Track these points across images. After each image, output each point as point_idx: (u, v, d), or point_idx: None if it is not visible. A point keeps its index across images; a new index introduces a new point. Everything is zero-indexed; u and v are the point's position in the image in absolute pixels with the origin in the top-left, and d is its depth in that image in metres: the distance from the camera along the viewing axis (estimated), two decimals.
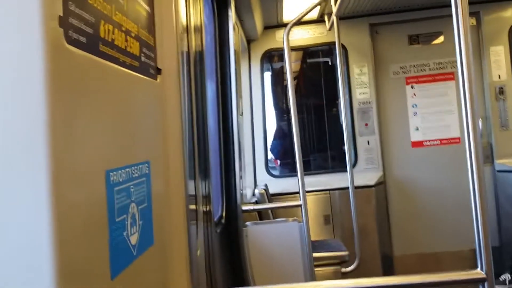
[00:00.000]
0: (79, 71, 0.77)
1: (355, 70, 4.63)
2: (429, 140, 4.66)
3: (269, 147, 4.84)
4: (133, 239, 0.96)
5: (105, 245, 0.82)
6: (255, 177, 4.59)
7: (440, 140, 4.66)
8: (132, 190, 0.97)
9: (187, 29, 1.85)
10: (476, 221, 1.37)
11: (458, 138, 4.64)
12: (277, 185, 4.47)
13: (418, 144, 4.67)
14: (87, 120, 0.79)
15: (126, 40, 0.99)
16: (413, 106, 4.70)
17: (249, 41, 4.71)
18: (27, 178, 0.65)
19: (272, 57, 4.94)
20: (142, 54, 1.09)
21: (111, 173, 0.86)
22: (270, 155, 4.88)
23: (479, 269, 1.35)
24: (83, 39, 0.78)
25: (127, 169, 0.95)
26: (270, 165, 4.82)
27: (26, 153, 0.65)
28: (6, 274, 0.65)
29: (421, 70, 4.72)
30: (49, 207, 0.65)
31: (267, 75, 4.94)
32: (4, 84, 0.65)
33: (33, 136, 0.65)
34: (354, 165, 4.49)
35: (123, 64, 0.96)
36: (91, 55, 0.81)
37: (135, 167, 1.00)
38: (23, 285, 0.65)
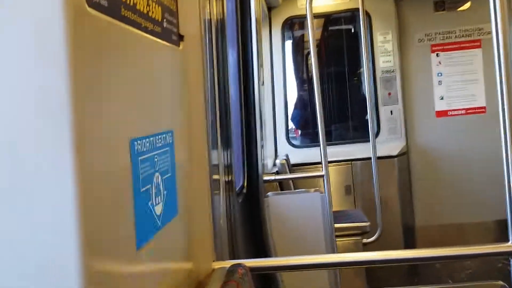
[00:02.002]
0: (101, 36, 0.74)
1: (378, 38, 4.52)
2: (454, 110, 4.56)
3: (289, 117, 4.79)
4: (158, 210, 0.94)
5: (131, 216, 0.81)
6: (276, 147, 4.56)
7: (465, 109, 4.55)
8: (156, 159, 0.95)
9: None
10: (508, 191, 1.32)
11: (484, 108, 4.53)
12: (298, 155, 4.44)
13: (442, 113, 4.58)
14: (110, 87, 0.76)
15: (148, 5, 0.95)
16: (438, 75, 4.59)
17: (270, 8, 4.61)
18: (51, 146, 0.63)
19: (293, 25, 4.85)
20: (165, 20, 1.06)
21: (135, 142, 0.84)
22: (291, 125, 4.84)
23: (510, 242, 1.31)
24: (104, 2, 0.74)
25: (151, 138, 0.92)
26: (290, 135, 4.78)
27: (49, 121, 0.63)
28: (31, 247, 0.64)
29: (447, 37, 4.59)
30: (73, 176, 0.63)
31: (288, 43, 4.85)
32: (25, 50, 0.63)
33: (56, 103, 0.63)
34: (376, 135, 4.42)
35: (145, 30, 0.93)
36: (113, 19, 0.78)
37: (159, 136, 0.97)
38: (49, 257, 0.64)
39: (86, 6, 0.68)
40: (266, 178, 2.73)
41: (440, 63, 4.60)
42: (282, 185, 3.60)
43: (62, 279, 0.64)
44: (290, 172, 3.90)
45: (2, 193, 0.64)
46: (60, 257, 0.64)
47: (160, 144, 0.98)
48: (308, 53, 4.91)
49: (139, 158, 0.86)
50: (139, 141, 0.86)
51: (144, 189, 0.88)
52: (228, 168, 2.15)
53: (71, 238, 0.64)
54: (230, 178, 2.16)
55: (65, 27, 0.63)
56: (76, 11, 0.65)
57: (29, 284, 0.64)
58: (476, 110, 4.55)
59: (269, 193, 2.77)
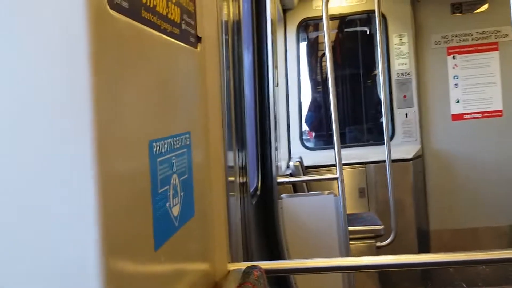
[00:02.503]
0: (122, 37, 0.74)
1: (394, 40, 4.49)
2: (470, 113, 4.52)
3: (303, 118, 4.78)
4: (175, 211, 0.95)
5: (149, 217, 0.81)
6: (289, 149, 4.56)
7: (482, 113, 4.50)
8: (173, 161, 0.95)
9: None
10: None
11: (501, 111, 4.48)
12: (311, 158, 4.43)
13: (458, 117, 4.53)
14: (130, 88, 0.76)
15: (167, 6, 0.95)
16: (454, 78, 4.55)
17: (285, 10, 4.61)
18: (73, 146, 0.63)
19: (308, 27, 4.83)
20: (183, 21, 1.06)
21: (154, 144, 0.84)
22: (305, 127, 4.82)
23: None
24: (125, 4, 0.75)
25: (169, 140, 0.93)
26: (304, 137, 4.77)
27: (71, 121, 0.63)
28: (51, 247, 0.64)
29: (464, 40, 4.54)
30: (94, 177, 0.64)
31: (303, 45, 4.84)
32: (48, 51, 0.63)
33: (78, 104, 0.63)
34: (391, 138, 4.39)
35: (164, 31, 0.93)
36: (133, 21, 0.78)
37: (177, 137, 0.98)
38: (69, 257, 0.64)
39: (108, 7, 0.68)
40: (280, 180, 2.73)
41: (456, 65, 4.56)
42: (296, 187, 3.59)
43: (82, 279, 0.64)
44: (304, 174, 3.88)
45: (23, 193, 0.64)
46: (80, 257, 0.64)
47: (178, 146, 0.98)
48: (323, 55, 4.90)
49: (158, 159, 0.86)
50: (157, 143, 0.86)
51: (162, 190, 0.88)
52: (243, 170, 2.15)
53: (91, 238, 0.64)
54: (244, 180, 2.16)
55: (87, 28, 0.63)
56: (98, 12, 0.66)
57: (49, 284, 0.65)
58: (493, 114, 4.49)
59: (283, 195, 2.76)
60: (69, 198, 0.64)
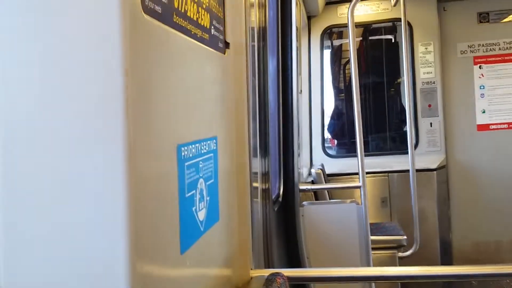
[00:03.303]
0: (154, 42, 0.75)
1: (419, 48, 4.45)
2: (496, 124, 4.44)
3: (326, 126, 4.76)
4: (201, 215, 0.95)
5: (176, 220, 0.81)
6: (311, 156, 4.54)
7: (508, 124, 4.42)
8: (200, 165, 0.95)
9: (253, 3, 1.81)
10: None
11: None
12: (333, 165, 4.40)
13: (484, 127, 4.46)
14: (160, 92, 0.77)
15: (198, 12, 0.96)
16: (480, 88, 4.48)
17: (310, 17, 4.60)
18: (105, 150, 0.64)
19: (332, 34, 4.82)
20: (212, 27, 1.06)
21: (182, 148, 0.85)
22: (327, 135, 4.80)
23: None
24: (158, 8, 0.75)
25: (197, 145, 0.93)
26: (326, 144, 4.74)
27: (104, 125, 0.64)
28: (80, 248, 0.65)
29: (491, 49, 4.47)
30: (124, 180, 0.64)
31: (327, 52, 4.83)
32: (82, 53, 0.64)
33: (110, 108, 0.64)
34: (415, 147, 4.34)
35: (194, 36, 0.94)
36: (165, 26, 0.79)
37: (204, 142, 0.98)
38: (98, 258, 0.65)
39: (142, 12, 0.69)
40: (302, 187, 2.71)
41: (482, 75, 4.49)
42: (317, 195, 3.57)
43: (110, 281, 0.64)
44: (326, 182, 3.86)
45: (55, 195, 0.65)
46: (109, 259, 0.64)
47: (204, 150, 0.98)
48: (346, 62, 4.87)
49: (185, 164, 0.87)
50: (185, 147, 0.87)
51: (189, 194, 0.88)
52: (265, 176, 2.14)
53: (120, 240, 0.64)
54: (267, 186, 2.16)
55: (122, 32, 0.64)
56: (132, 17, 0.66)
57: (78, 285, 0.65)
58: None
59: (304, 203, 2.75)
60: (99, 202, 0.64)
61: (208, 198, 1.00)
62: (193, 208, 0.90)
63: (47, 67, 0.65)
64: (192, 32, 0.93)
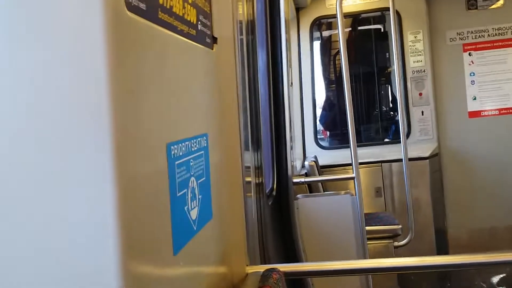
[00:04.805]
0: (139, 39, 0.73)
1: (409, 37, 4.44)
2: (487, 110, 4.46)
3: (318, 118, 4.75)
4: (193, 214, 0.94)
5: (168, 221, 0.80)
6: (304, 148, 4.53)
7: (499, 110, 4.44)
8: (191, 164, 0.94)
9: None
10: None
11: None
12: (326, 157, 4.40)
13: (475, 114, 4.48)
14: (147, 90, 0.75)
15: (184, 7, 0.94)
16: (470, 75, 4.49)
17: (298, 9, 4.58)
18: (92, 150, 0.62)
19: (321, 25, 4.81)
20: (199, 22, 1.05)
21: (172, 147, 0.83)
22: (319, 126, 4.80)
23: None
24: (142, 5, 0.74)
25: (187, 142, 0.92)
26: (318, 136, 4.74)
27: (90, 124, 0.62)
28: (71, 250, 0.64)
29: (480, 36, 4.48)
30: (113, 180, 0.63)
31: (316, 44, 4.81)
32: (65, 53, 0.62)
33: (96, 108, 0.62)
34: (407, 136, 4.35)
35: (181, 33, 0.92)
36: (151, 23, 0.77)
37: (194, 140, 0.97)
38: (89, 260, 0.64)
39: (126, 9, 0.67)
40: (296, 180, 2.70)
41: (472, 62, 4.50)
42: (311, 187, 3.57)
43: (101, 283, 0.63)
44: (319, 174, 3.86)
45: (43, 196, 0.63)
46: (100, 261, 0.63)
47: (195, 148, 0.97)
48: (336, 53, 4.87)
49: (176, 162, 0.85)
50: (175, 145, 0.85)
51: (180, 193, 0.87)
52: (258, 170, 2.14)
53: (111, 242, 0.63)
54: (260, 180, 2.15)
55: (105, 31, 0.62)
56: (115, 15, 0.65)
57: (69, 286, 0.64)
58: (510, 111, 4.43)
59: (298, 195, 2.74)
60: (89, 202, 0.63)
61: (200, 197, 0.98)
62: (185, 207, 0.89)
63: (30, 67, 0.63)
64: (179, 28, 0.91)
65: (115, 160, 0.63)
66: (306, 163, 3.83)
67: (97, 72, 0.62)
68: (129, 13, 0.68)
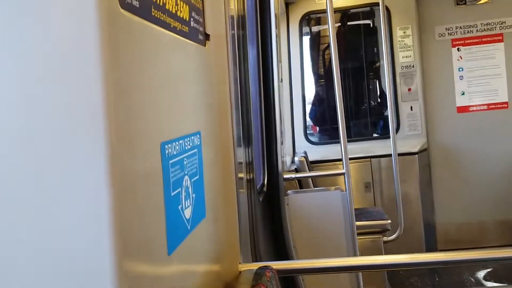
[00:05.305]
0: (133, 37, 0.72)
1: (398, 33, 4.46)
2: (475, 105, 4.49)
3: (307, 113, 4.75)
4: (187, 213, 0.93)
5: (162, 221, 0.79)
6: (294, 144, 4.53)
7: (487, 105, 4.47)
8: (185, 162, 0.93)
9: None
10: None
11: (506, 103, 4.45)
12: (316, 152, 4.41)
13: (463, 109, 4.51)
14: (141, 89, 0.74)
15: (177, 4, 0.93)
16: (459, 70, 4.51)
17: (287, 4, 4.57)
18: (85, 151, 0.62)
19: (310, 20, 4.80)
20: (192, 19, 1.04)
21: (166, 146, 0.82)
22: (309, 122, 4.80)
23: None
24: (136, 2, 0.73)
25: (180, 141, 0.91)
26: (308, 131, 4.74)
27: (84, 124, 0.61)
28: (65, 250, 0.63)
29: (468, 31, 4.50)
30: (107, 180, 0.62)
31: (306, 39, 4.81)
32: (60, 51, 0.61)
33: (91, 106, 0.61)
34: (396, 131, 4.37)
35: (174, 30, 0.91)
36: (144, 20, 0.76)
37: (187, 138, 0.96)
38: (83, 260, 0.63)
39: (119, 7, 0.66)
40: (286, 176, 2.70)
41: (461, 57, 4.52)
42: (301, 182, 3.57)
43: (96, 283, 0.63)
44: (309, 170, 3.86)
45: (38, 196, 0.63)
46: (95, 261, 0.63)
47: (188, 147, 0.96)
48: (326, 48, 4.86)
49: (170, 161, 0.84)
50: (169, 144, 0.84)
51: (174, 193, 0.86)
52: (249, 166, 2.13)
53: (105, 242, 0.63)
54: (251, 176, 2.14)
55: (99, 28, 0.61)
56: (109, 12, 0.64)
57: (64, 285, 0.63)
58: (498, 106, 4.47)
59: (289, 191, 2.74)
60: (83, 202, 0.63)
61: (194, 195, 0.97)
62: (179, 207, 0.88)
63: (24, 65, 0.62)
64: (172, 26, 0.90)
65: (110, 160, 0.62)
66: (296, 158, 3.83)
67: (91, 71, 0.61)
68: (122, 10, 0.67)
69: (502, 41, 4.45)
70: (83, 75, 0.61)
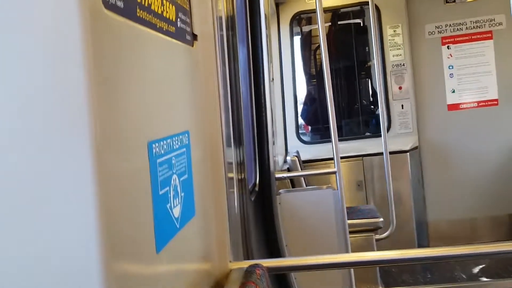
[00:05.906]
0: (117, 37, 0.73)
1: (388, 31, 4.48)
2: (465, 103, 4.52)
3: (299, 113, 4.77)
4: (176, 212, 0.93)
5: (150, 219, 0.80)
6: (286, 143, 4.55)
7: (477, 102, 4.50)
8: (173, 161, 0.93)
9: None
10: None
11: (496, 100, 4.48)
12: (308, 152, 4.42)
13: (454, 107, 4.54)
14: (127, 89, 0.75)
15: (163, 4, 0.94)
16: (449, 68, 4.54)
17: (278, 4, 4.58)
18: (71, 149, 0.62)
19: (301, 20, 4.81)
20: (179, 19, 1.04)
21: (153, 145, 0.83)
22: (301, 121, 4.81)
23: None
24: (120, 3, 0.73)
25: (168, 140, 0.91)
26: (300, 131, 4.76)
27: (69, 124, 0.62)
28: (52, 251, 0.63)
29: (458, 29, 4.53)
30: (93, 180, 0.62)
31: (297, 39, 4.82)
32: (43, 52, 0.62)
33: (75, 106, 0.62)
34: (387, 130, 4.39)
35: (160, 30, 0.91)
36: (129, 21, 0.76)
37: (176, 137, 0.96)
38: (71, 261, 0.63)
39: (103, 8, 0.67)
40: (278, 175, 2.71)
41: (451, 55, 4.55)
42: (293, 182, 3.58)
43: (84, 283, 0.63)
44: (301, 169, 3.87)
45: (22, 197, 0.63)
46: (82, 261, 0.63)
47: (177, 146, 0.96)
48: (317, 48, 4.88)
49: (157, 160, 0.85)
50: (156, 144, 0.85)
51: (162, 192, 0.86)
52: (241, 166, 2.14)
53: (92, 242, 0.63)
54: (242, 176, 2.15)
55: (82, 29, 0.62)
56: (93, 13, 0.64)
57: (52, 286, 0.63)
58: (488, 103, 4.50)
59: (281, 191, 2.75)
60: (70, 201, 0.63)
61: (182, 194, 0.98)
62: (168, 206, 0.89)
63: (6, 65, 0.62)
64: (158, 26, 0.90)
65: (96, 159, 0.63)
66: (288, 158, 3.84)
67: (75, 71, 0.61)
68: (106, 11, 0.67)
69: (492, 39, 4.48)
70: (67, 75, 0.61)
